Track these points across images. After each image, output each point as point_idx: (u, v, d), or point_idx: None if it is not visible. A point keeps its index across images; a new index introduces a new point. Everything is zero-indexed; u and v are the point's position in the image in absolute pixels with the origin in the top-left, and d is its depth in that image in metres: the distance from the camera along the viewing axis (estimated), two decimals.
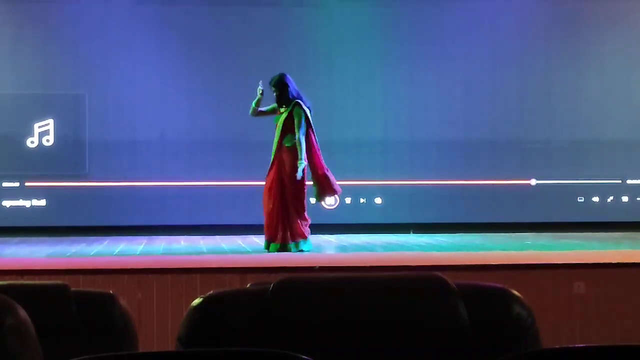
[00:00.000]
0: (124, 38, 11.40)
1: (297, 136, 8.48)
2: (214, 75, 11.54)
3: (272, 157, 8.58)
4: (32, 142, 11.40)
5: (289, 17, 11.68)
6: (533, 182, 11.94)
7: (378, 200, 11.79)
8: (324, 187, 8.76)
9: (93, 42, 11.39)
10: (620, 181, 12.01)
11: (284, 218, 8.49)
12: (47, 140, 11.42)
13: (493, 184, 11.83)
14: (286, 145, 8.51)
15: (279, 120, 8.60)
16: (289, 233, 8.48)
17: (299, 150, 8.43)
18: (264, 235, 8.64)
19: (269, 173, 8.59)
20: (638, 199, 12.00)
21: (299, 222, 8.51)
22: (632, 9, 12.03)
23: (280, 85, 8.55)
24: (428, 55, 11.76)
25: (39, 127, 11.40)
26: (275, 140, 8.58)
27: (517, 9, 11.83)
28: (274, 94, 8.58)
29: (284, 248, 8.44)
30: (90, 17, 11.39)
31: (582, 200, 11.96)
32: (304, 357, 1.57)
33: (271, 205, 8.51)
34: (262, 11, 11.64)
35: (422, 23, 11.80)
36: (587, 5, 11.97)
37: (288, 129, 8.52)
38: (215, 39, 11.57)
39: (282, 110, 8.59)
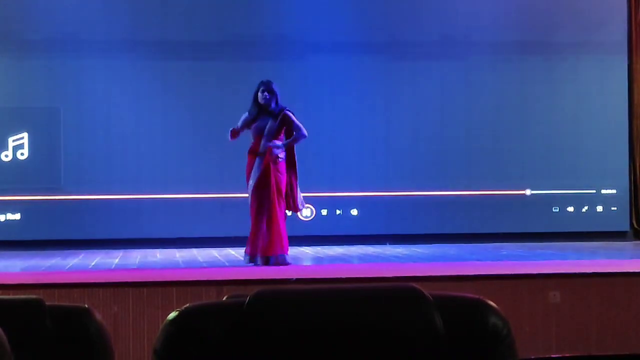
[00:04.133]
0: (98, 51, 11.36)
1: (304, 132, 8.43)
2: (189, 87, 11.53)
3: (259, 164, 8.39)
4: (6, 156, 11.34)
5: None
6: (528, 192, 12.00)
7: (354, 212, 11.80)
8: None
9: (67, 55, 11.35)
10: (594, 191, 12.08)
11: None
12: (22, 154, 11.36)
13: (468, 194, 11.87)
14: (278, 155, 8.39)
15: (261, 126, 8.44)
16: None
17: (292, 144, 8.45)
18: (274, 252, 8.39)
19: (260, 182, 8.37)
20: (613, 208, 12.07)
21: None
22: (606, 22, 12.11)
23: (273, 90, 8.44)
24: (404, 66, 11.80)
25: (13, 140, 11.34)
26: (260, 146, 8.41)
27: (491, 24, 11.88)
28: (264, 95, 8.37)
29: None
30: (64, 30, 11.35)
31: (557, 210, 12.02)
32: None
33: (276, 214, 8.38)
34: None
35: (399, 23, 11.84)
36: (561, 18, 12.05)
37: (277, 133, 8.46)
38: (191, 52, 11.56)
39: (260, 116, 8.44)
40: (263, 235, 8.32)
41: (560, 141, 12.01)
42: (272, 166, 8.35)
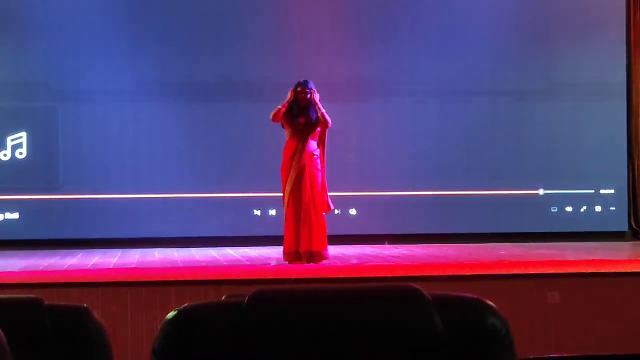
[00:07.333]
0: (96, 50, 11.35)
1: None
2: (187, 86, 11.51)
3: (299, 167, 8.45)
4: (4, 155, 11.33)
5: None
6: (541, 191, 11.99)
7: (353, 211, 11.79)
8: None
9: (65, 55, 11.34)
10: (593, 191, 12.07)
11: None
12: (20, 153, 11.35)
13: (467, 194, 11.86)
14: (314, 153, 8.50)
15: (306, 127, 8.49)
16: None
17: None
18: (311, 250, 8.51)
19: (303, 183, 8.45)
20: (611, 208, 12.07)
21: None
22: (605, 21, 12.11)
23: (312, 89, 8.55)
24: (403, 66, 11.78)
25: (12, 140, 11.33)
26: (301, 148, 8.47)
27: (490, 22, 11.87)
28: (306, 96, 8.48)
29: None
30: (63, 30, 11.34)
31: (556, 210, 12.02)
32: None
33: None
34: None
35: (399, 25, 11.84)
36: (559, 18, 12.05)
37: (317, 134, 8.56)
38: (189, 49, 11.55)
39: (302, 118, 8.49)
40: (305, 232, 8.39)
41: (559, 141, 12.00)
42: (308, 163, 8.42)
